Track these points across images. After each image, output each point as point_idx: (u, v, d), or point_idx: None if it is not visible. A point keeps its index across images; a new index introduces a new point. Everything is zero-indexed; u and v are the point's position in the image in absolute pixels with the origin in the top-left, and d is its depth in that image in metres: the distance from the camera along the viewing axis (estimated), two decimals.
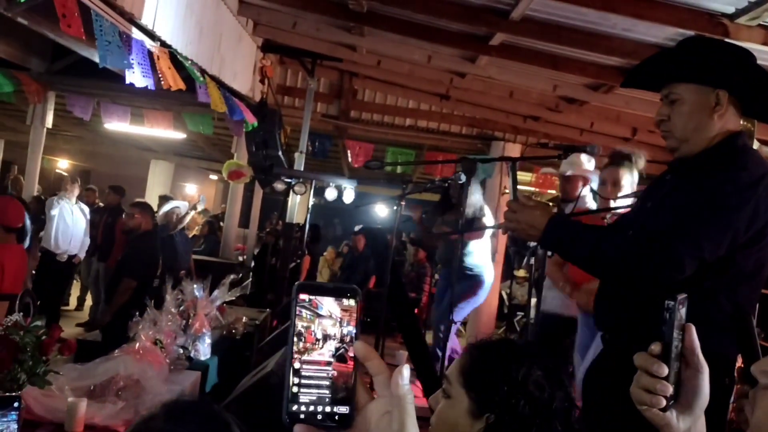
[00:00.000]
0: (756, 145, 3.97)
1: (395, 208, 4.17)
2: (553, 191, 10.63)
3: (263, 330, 5.44)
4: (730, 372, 1.87)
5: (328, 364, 0.71)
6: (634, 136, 8.41)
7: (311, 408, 0.70)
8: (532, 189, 10.54)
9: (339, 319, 0.72)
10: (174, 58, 4.75)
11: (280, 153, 6.91)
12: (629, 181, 3.66)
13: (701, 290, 1.76)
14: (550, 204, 4.40)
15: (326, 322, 0.71)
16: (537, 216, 1.93)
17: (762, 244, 1.80)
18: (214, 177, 18.73)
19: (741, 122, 2.36)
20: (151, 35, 4.53)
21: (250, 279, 4.66)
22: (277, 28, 7.11)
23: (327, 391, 0.70)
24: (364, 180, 11.86)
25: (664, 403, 0.92)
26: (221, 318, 4.37)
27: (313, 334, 0.71)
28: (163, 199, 10.76)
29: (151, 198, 12.67)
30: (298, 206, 7.56)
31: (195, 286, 3.99)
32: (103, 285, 7.91)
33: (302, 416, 0.70)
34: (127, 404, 2.79)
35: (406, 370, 0.71)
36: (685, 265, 1.73)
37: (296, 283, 0.73)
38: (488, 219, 5.43)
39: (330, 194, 7.07)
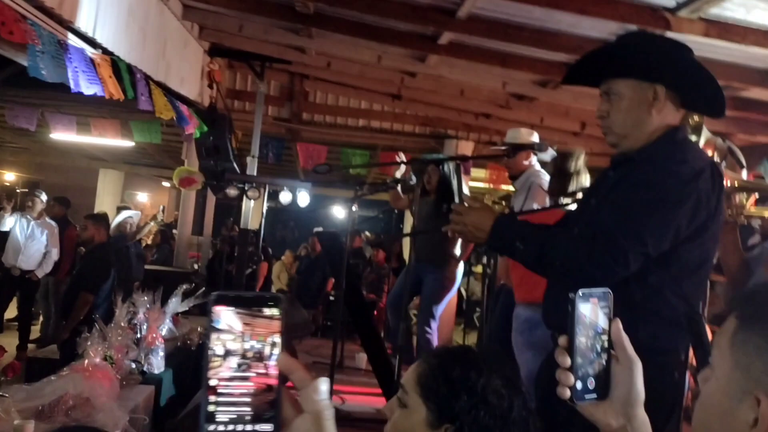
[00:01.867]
0: (706, 134, 4.02)
1: (350, 210, 4.13)
2: (507, 186, 10.73)
3: None
4: (680, 367, 1.88)
5: (247, 379, 0.66)
6: (584, 130, 8.54)
7: (230, 427, 0.65)
8: (486, 185, 10.61)
9: (241, 334, 0.66)
10: (114, 66, 4.64)
11: (231, 158, 6.82)
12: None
13: (646, 285, 1.77)
14: (503, 202, 4.42)
15: (225, 336, 0.66)
16: (483, 218, 1.91)
17: (705, 237, 1.82)
18: (166, 184, 18.41)
19: (695, 117, 2.38)
20: (91, 42, 4.41)
21: (203, 288, 4.58)
22: (223, 31, 7.01)
23: (248, 409, 0.66)
24: (319, 182, 11.81)
25: (567, 393, 0.91)
26: (175, 329, 4.28)
27: (212, 349, 0.66)
28: (121, 210, 10.57)
29: (102, 208, 12.41)
30: (253, 211, 7.47)
31: (146, 297, 3.90)
32: (53, 299, 7.72)
33: None
34: (78, 424, 2.71)
35: (322, 385, 0.67)
36: (629, 261, 1.74)
37: (213, 293, 0.68)
38: None
39: (284, 198, 7.00)
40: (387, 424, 1.31)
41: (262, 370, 0.66)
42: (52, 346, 4.99)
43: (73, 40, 4.17)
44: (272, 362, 0.66)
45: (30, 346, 7.44)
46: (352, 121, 9.28)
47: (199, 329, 4.53)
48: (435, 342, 5.37)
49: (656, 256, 1.75)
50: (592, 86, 2.03)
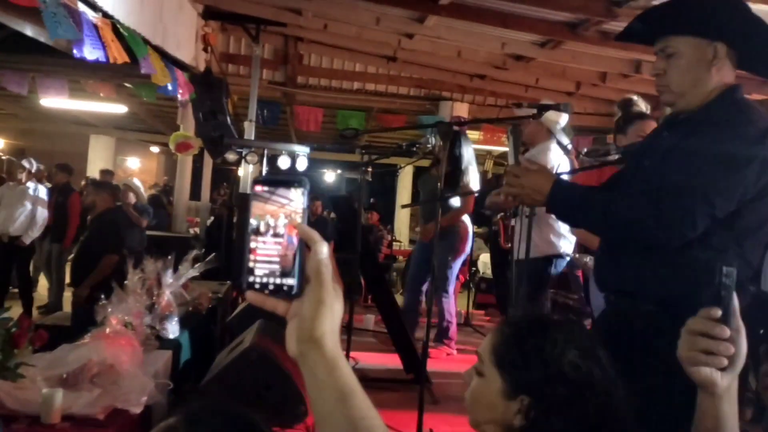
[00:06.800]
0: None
1: (362, 175, 4.13)
2: (501, 148, 10.75)
3: (226, 303, 5.39)
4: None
5: (278, 244, 0.84)
6: (578, 90, 8.54)
7: (264, 279, 0.85)
8: (485, 147, 10.63)
9: (278, 208, 0.85)
10: (115, 29, 4.57)
11: (229, 122, 6.77)
12: None
13: (709, 247, 1.77)
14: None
15: (269, 210, 0.85)
16: (541, 180, 1.91)
17: None
18: (154, 149, 18.25)
19: None
20: (92, 6, 4.33)
21: (213, 253, 4.59)
22: None
23: (277, 266, 0.85)
24: (313, 146, 11.72)
25: (726, 362, 1.01)
26: (186, 294, 4.29)
27: (257, 220, 0.84)
28: (105, 174, 10.48)
29: (94, 174, 12.32)
30: (252, 176, 7.45)
31: (157, 263, 3.90)
32: (56, 266, 7.71)
33: (256, 286, 0.85)
34: (104, 391, 2.72)
35: (322, 247, 0.84)
36: (697, 222, 1.74)
37: (255, 177, 0.84)
38: (473, 177, 5.41)
39: (283, 162, 6.96)
40: (467, 391, 1.31)
41: (288, 237, 0.85)
42: (59, 313, 4.99)
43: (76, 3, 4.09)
44: (294, 232, 0.84)
45: (37, 314, 7.43)
46: (347, 83, 9.23)
47: (209, 294, 4.55)
48: (452, 305, 5.49)
49: (721, 217, 1.76)
50: (647, 44, 1.99)
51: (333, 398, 0.84)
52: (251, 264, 0.85)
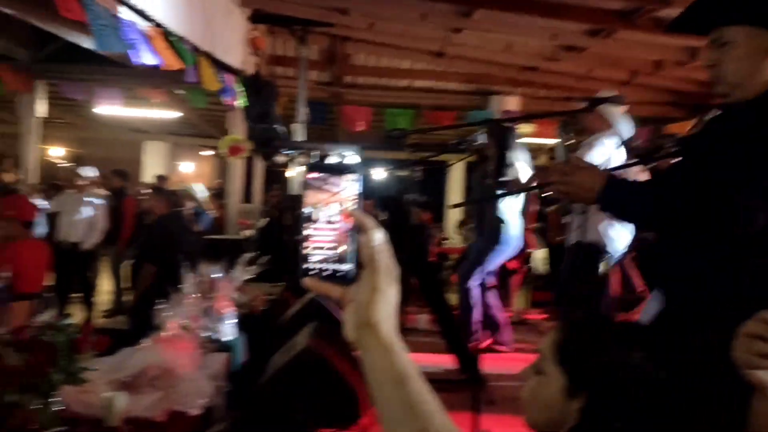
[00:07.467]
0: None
1: (412, 173, 4.11)
2: (555, 140, 10.58)
3: (280, 304, 5.42)
4: None
5: (334, 231, 0.85)
6: (633, 79, 8.34)
7: (320, 266, 0.86)
8: (539, 140, 10.48)
9: (332, 195, 0.85)
10: (165, 37, 4.66)
11: (278, 125, 6.82)
12: None
13: (765, 246, 1.71)
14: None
15: (321, 196, 0.85)
16: (592, 177, 1.86)
17: None
18: (205, 153, 18.55)
19: None
20: (143, 15, 4.41)
21: (266, 255, 4.63)
22: None
23: (333, 253, 0.86)
24: (362, 146, 11.76)
25: None
26: (240, 296, 4.33)
27: (312, 207, 0.85)
28: (160, 179, 10.70)
29: (149, 180, 12.56)
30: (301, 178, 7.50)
31: (212, 266, 3.95)
32: (112, 269, 7.92)
33: (312, 272, 0.86)
34: (164, 394, 2.76)
35: (376, 233, 0.84)
36: (757, 218, 1.68)
37: (308, 163, 0.87)
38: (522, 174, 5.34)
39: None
40: (523, 388, 1.30)
41: (342, 224, 0.85)
42: (120, 317, 5.10)
43: (124, 13, 4.17)
44: (347, 218, 0.85)
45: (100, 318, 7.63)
46: (395, 81, 9.20)
47: (263, 296, 4.59)
48: (474, 300, 5.43)
49: None
50: (699, 34, 1.93)
51: (390, 383, 0.84)
52: (305, 250, 0.86)
